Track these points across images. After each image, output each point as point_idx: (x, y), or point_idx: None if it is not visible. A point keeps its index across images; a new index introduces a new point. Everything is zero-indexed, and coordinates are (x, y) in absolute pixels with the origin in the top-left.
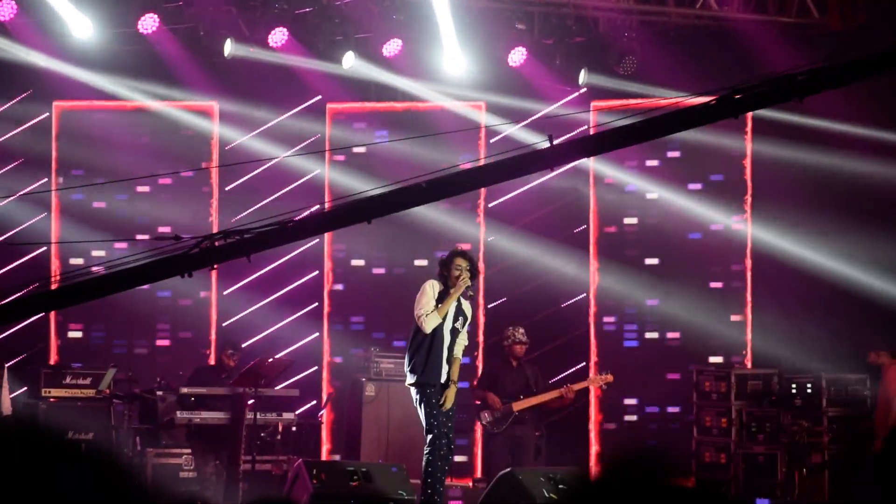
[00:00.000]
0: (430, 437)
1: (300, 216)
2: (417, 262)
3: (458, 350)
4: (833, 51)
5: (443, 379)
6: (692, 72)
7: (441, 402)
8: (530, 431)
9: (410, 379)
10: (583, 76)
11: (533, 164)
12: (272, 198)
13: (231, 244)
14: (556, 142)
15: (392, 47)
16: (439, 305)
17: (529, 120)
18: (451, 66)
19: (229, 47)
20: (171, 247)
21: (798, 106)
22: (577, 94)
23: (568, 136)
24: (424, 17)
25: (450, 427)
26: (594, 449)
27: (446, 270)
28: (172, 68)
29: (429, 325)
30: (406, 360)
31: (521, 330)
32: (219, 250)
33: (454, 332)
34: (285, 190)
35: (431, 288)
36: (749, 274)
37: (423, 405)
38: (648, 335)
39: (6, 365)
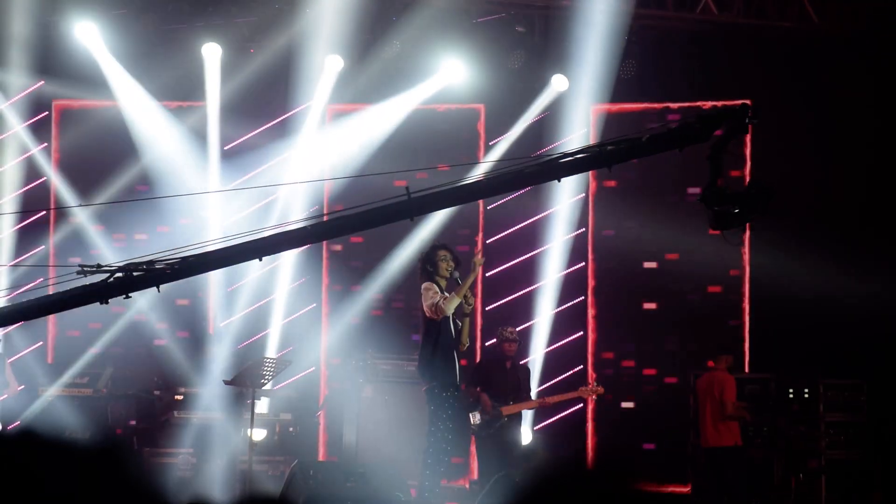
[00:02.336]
0: (430, 439)
1: (198, 251)
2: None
3: (465, 336)
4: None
5: (457, 380)
6: (692, 76)
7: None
8: (518, 435)
9: (427, 384)
10: (558, 81)
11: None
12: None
13: (141, 276)
14: (413, 195)
15: (392, 48)
16: (449, 294)
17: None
18: (451, 69)
19: (209, 49)
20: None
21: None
22: (576, 97)
23: (424, 190)
24: (423, 19)
25: (451, 429)
26: (589, 452)
27: (430, 264)
28: (170, 68)
29: (450, 307)
30: (419, 361)
31: (510, 329)
32: (131, 281)
33: (456, 326)
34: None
35: (434, 287)
36: (747, 279)
37: (435, 409)
38: (645, 341)
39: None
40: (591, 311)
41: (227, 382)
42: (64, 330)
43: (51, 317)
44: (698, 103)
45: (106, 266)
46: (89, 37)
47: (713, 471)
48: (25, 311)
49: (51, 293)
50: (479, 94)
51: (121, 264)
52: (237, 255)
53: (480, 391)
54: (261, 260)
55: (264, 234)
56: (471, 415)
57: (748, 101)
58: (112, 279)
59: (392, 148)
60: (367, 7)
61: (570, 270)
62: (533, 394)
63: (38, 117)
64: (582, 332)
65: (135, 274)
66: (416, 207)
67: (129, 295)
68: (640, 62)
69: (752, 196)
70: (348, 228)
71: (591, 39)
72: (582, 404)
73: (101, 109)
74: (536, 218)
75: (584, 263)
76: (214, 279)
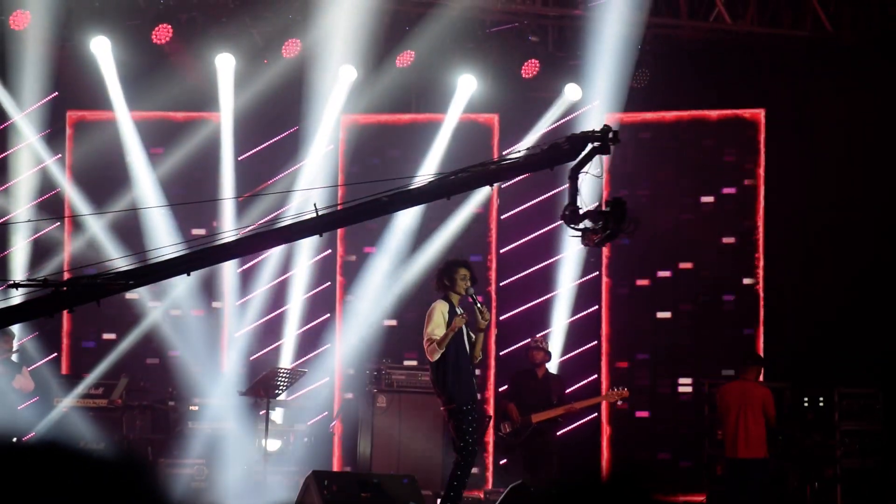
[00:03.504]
0: (461, 454)
1: (152, 261)
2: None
3: (478, 350)
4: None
5: (476, 395)
6: (705, 86)
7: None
8: (549, 443)
9: (449, 403)
10: (571, 91)
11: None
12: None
13: (79, 291)
14: (321, 211)
15: (405, 58)
16: (439, 340)
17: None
18: (465, 78)
19: (224, 60)
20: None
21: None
22: (589, 106)
23: (330, 207)
24: (437, 29)
25: (476, 441)
26: (605, 460)
27: (448, 279)
28: (185, 79)
29: (434, 354)
30: (435, 383)
31: (539, 337)
32: (72, 295)
33: (470, 340)
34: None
35: (441, 312)
36: (761, 287)
37: (458, 425)
38: (659, 351)
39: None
40: (605, 320)
41: (241, 393)
42: (78, 341)
43: (65, 328)
44: (711, 112)
45: (52, 279)
46: (102, 51)
47: (737, 481)
48: None
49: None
50: (492, 104)
51: (63, 279)
52: (169, 269)
53: (508, 402)
54: (188, 274)
55: (190, 249)
56: (501, 425)
57: (610, 127)
58: (58, 291)
59: (407, 159)
60: (380, 17)
61: (584, 280)
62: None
63: (53, 129)
64: (596, 342)
65: (79, 287)
66: (323, 225)
67: (73, 309)
68: (653, 71)
69: (609, 213)
70: (260, 245)
71: (604, 49)
72: (596, 413)
73: (115, 121)
74: (549, 228)
75: (597, 273)
76: (228, 289)
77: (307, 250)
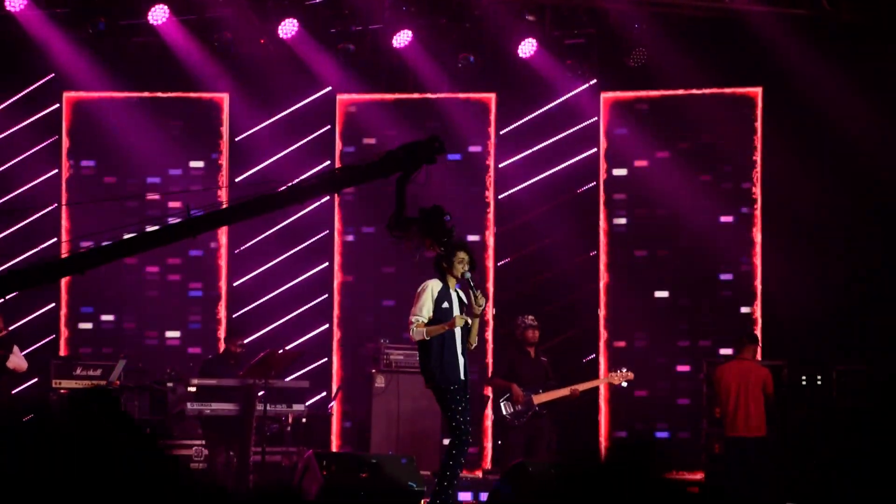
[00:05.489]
0: (454, 434)
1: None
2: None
3: (473, 336)
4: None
5: (462, 376)
6: (703, 64)
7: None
8: (547, 424)
9: (429, 381)
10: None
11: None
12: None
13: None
14: (192, 212)
15: (402, 38)
16: (430, 326)
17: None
18: (461, 57)
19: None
20: None
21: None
22: (587, 85)
23: (202, 209)
24: (435, 8)
25: (468, 421)
26: (603, 441)
27: (446, 262)
28: (182, 59)
29: (415, 336)
30: (420, 362)
31: (531, 316)
32: None
33: (465, 325)
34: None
35: (430, 291)
36: (759, 265)
37: (444, 405)
38: (656, 330)
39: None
40: (602, 300)
41: (240, 375)
42: (76, 322)
43: (63, 311)
44: (708, 90)
45: None
46: (100, 29)
47: (736, 460)
48: None
49: None
50: (489, 83)
51: None
52: (62, 269)
53: (511, 382)
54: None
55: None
56: (502, 404)
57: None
58: None
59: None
60: None
61: (581, 258)
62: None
63: (49, 110)
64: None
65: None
66: (196, 227)
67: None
68: (651, 49)
69: (426, 220)
70: (133, 250)
71: (602, 27)
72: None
73: (112, 101)
74: (549, 207)
75: (595, 252)
76: (224, 270)
77: (305, 231)
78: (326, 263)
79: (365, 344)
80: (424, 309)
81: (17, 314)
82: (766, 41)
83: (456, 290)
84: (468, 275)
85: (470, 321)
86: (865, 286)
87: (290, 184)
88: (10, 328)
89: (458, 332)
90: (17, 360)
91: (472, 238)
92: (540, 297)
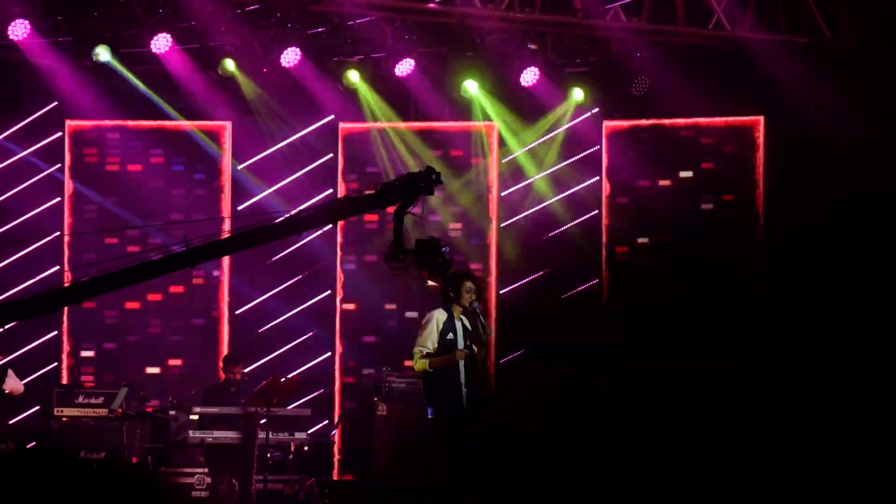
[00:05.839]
0: (443, 469)
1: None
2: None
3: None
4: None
5: (464, 408)
6: (703, 92)
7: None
8: None
9: (430, 412)
10: (571, 98)
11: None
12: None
13: None
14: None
15: (405, 67)
16: (434, 358)
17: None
18: (465, 86)
19: (230, 66)
20: None
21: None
22: (588, 114)
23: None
24: (436, 38)
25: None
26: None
27: (454, 291)
28: (184, 88)
29: (416, 367)
30: (424, 391)
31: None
32: None
33: (469, 355)
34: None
35: (435, 322)
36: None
37: (437, 438)
38: None
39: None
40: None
41: (241, 402)
42: (78, 350)
43: (65, 337)
44: (709, 119)
45: None
46: (104, 59)
47: None
48: None
49: None
50: (491, 111)
51: None
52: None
53: None
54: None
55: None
56: None
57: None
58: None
59: (405, 168)
60: (380, 25)
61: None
62: None
63: (52, 138)
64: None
65: None
66: (194, 258)
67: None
68: (652, 78)
69: (422, 252)
70: (132, 280)
71: (603, 56)
72: None
73: (113, 130)
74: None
75: (597, 280)
76: (225, 299)
77: (307, 259)
78: (328, 292)
79: (365, 372)
80: (429, 340)
81: (19, 342)
82: (768, 69)
83: (461, 320)
84: (476, 303)
85: (476, 350)
86: (868, 312)
87: (288, 214)
88: (11, 356)
89: (461, 364)
90: (13, 382)
91: (474, 266)
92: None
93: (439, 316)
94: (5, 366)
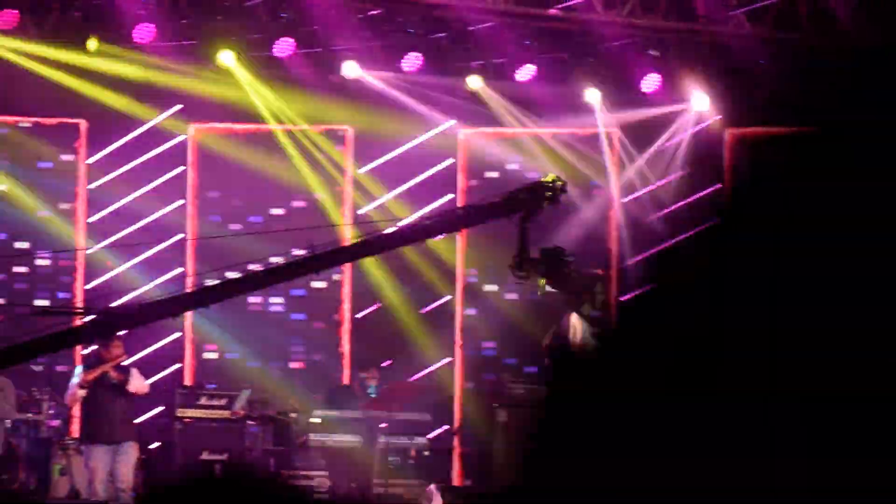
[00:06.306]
0: None
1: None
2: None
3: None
4: None
5: None
6: (834, 97)
7: None
8: None
9: None
10: (694, 105)
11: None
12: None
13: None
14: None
15: (525, 72)
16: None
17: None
18: (587, 93)
19: (350, 69)
20: None
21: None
22: (711, 121)
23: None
24: (556, 44)
25: None
26: None
27: (589, 294)
28: (307, 92)
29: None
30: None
31: None
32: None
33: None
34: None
35: (579, 321)
36: None
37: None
38: None
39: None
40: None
41: (362, 406)
42: (201, 352)
43: (189, 338)
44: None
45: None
46: (230, 63)
47: None
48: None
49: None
50: (612, 117)
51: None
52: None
53: None
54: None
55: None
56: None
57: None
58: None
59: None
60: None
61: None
62: None
63: (176, 140)
64: None
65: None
66: (320, 264)
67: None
68: (779, 85)
69: (547, 261)
70: (257, 285)
71: (727, 62)
72: None
73: (237, 133)
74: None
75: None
76: (349, 304)
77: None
78: (449, 297)
79: (486, 378)
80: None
81: (143, 342)
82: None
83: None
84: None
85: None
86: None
87: (411, 222)
88: (136, 356)
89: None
90: (138, 382)
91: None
92: None
93: (574, 319)
94: (128, 367)
